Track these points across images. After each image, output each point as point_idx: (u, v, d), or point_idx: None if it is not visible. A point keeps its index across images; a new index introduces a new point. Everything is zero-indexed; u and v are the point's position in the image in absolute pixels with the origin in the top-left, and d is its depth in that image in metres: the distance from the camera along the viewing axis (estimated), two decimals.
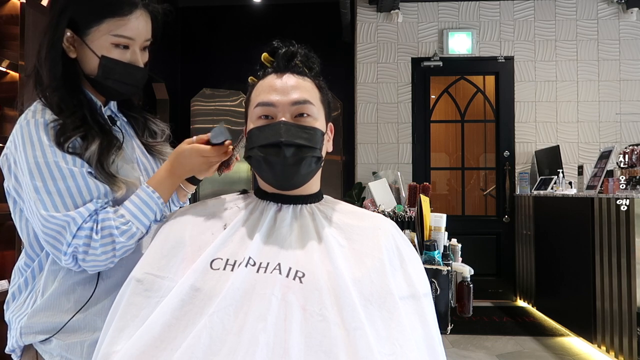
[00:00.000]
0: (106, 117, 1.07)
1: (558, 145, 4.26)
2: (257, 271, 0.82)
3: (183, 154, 0.99)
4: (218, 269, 0.83)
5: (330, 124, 1.00)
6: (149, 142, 1.16)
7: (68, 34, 0.99)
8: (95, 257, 0.92)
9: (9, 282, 2.38)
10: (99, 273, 1.00)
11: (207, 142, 0.99)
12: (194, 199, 1.60)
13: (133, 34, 1.00)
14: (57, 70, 0.99)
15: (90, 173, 0.96)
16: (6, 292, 2.37)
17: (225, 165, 1.03)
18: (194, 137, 1.01)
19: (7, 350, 1.04)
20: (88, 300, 0.99)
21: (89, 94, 1.05)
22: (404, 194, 2.58)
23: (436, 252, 1.70)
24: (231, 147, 1.00)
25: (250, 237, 0.88)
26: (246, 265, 0.83)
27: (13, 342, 1.02)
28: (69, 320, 0.98)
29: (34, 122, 0.94)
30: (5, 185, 1.00)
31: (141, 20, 1.01)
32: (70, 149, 0.94)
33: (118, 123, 1.10)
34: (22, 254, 1.05)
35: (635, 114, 4.52)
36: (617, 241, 2.90)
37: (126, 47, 1.01)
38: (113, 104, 1.12)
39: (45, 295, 0.99)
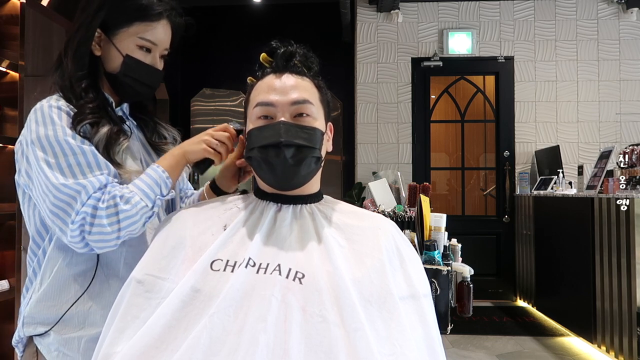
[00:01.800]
0: (117, 115, 1.12)
1: (558, 145, 4.26)
2: (257, 272, 0.82)
3: None
4: (218, 270, 0.83)
5: (329, 123, 1.00)
6: (156, 142, 1.19)
7: (97, 33, 1.05)
8: (101, 228, 0.92)
9: (9, 282, 2.40)
10: (97, 264, 1.01)
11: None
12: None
13: (157, 40, 1.08)
14: (84, 64, 1.05)
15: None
16: (6, 292, 2.38)
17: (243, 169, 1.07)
18: None
19: (13, 343, 1.07)
20: (85, 291, 1.00)
21: (104, 92, 1.10)
22: (404, 194, 2.58)
23: (436, 252, 1.70)
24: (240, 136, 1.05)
25: (250, 237, 0.88)
26: (246, 266, 0.83)
27: (17, 333, 1.04)
28: (66, 311, 1.00)
29: (47, 105, 0.99)
30: (16, 177, 1.03)
31: (166, 29, 1.10)
32: (81, 133, 0.98)
33: (127, 123, 1.13)
34: (29, 245, 1.07)
35: (635, 114, 4.52)
36: (617, 241, 2.90)
37: (149, 50, 1.08)
38: (125, 106, 1.16)
39: (44, 285, 1.01)
